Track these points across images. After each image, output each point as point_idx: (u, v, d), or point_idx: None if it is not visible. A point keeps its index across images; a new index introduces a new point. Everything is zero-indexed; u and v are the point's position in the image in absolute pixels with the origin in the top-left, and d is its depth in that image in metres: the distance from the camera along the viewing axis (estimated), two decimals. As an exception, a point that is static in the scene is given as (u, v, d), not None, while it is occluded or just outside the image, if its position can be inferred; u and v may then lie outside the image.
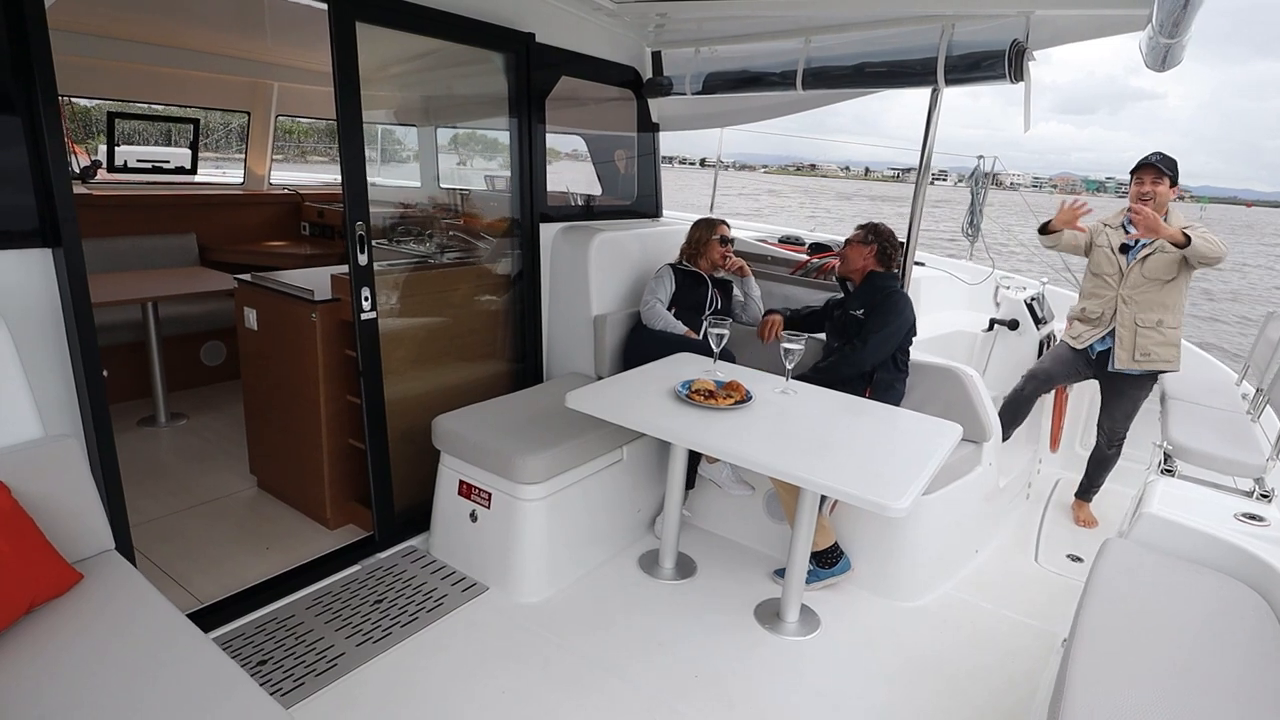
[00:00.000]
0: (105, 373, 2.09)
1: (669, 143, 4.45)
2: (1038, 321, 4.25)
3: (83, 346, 2.05)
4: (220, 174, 6.86)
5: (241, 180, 6.18)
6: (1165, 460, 2.87)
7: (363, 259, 2.74)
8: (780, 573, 2.98)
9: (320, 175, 7.26)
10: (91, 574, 1.75)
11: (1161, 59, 2.32)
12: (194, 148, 5.84)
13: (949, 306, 4.70)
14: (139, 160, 5.52)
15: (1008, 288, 4.42)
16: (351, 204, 2.68)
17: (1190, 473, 2.81)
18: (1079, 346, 3.59)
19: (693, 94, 3.89)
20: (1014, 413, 3.69)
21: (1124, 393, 3.52)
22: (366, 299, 2.78)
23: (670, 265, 3.63)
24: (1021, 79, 2.93)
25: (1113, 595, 1.96)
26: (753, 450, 2.29)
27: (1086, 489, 3.81)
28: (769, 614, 2.76)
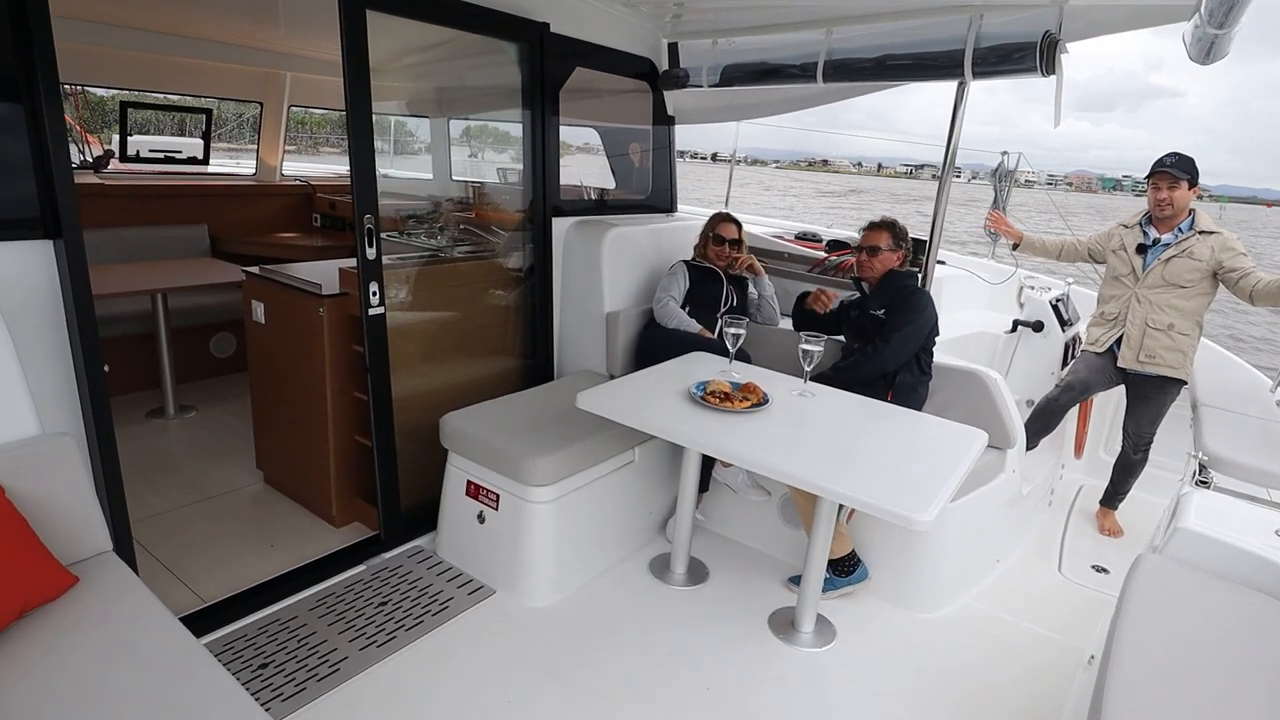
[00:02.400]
0: (106, 367, 2.04)
1: (679, 136, 4.36)
2: (1063, 323, 4.12)
3: (83, 341, 1.99)
4: (235, 164, 6.83)
5: (254, 171, 6.14)
6: (1200, 471, 2.76)
7: (371, 253, 2.67)
8: (795, 579, 2.90)
9: (333, 167, 7.22)
10: (87, 577, 1.70)
11: (1207, 50, 2.21)
12: (206, 138, 5.80)
13: (970, 306, 4.59)
14: (151, 150, 5.48)
15: (1032, 288, 4.30)
16: (360, 197, 2.62)
17: (1225, 484, 2.70)
18: (1100, 350, 3.50)
19: (710, 86, 3.79)
20: (1045, 422, 3.59)
21: (1148, 397, 3.42)
22: (374, 294, 2.72)
23: (684, 261, 3.55)
24: (1053, 72, 2.83)
25: (1149, 615, 1.87)
26: (770, 457, 2.21)
27: (1112, 496, 3.70)
28: (783, 623, 2.68)
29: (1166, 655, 1.72)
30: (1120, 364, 3.41)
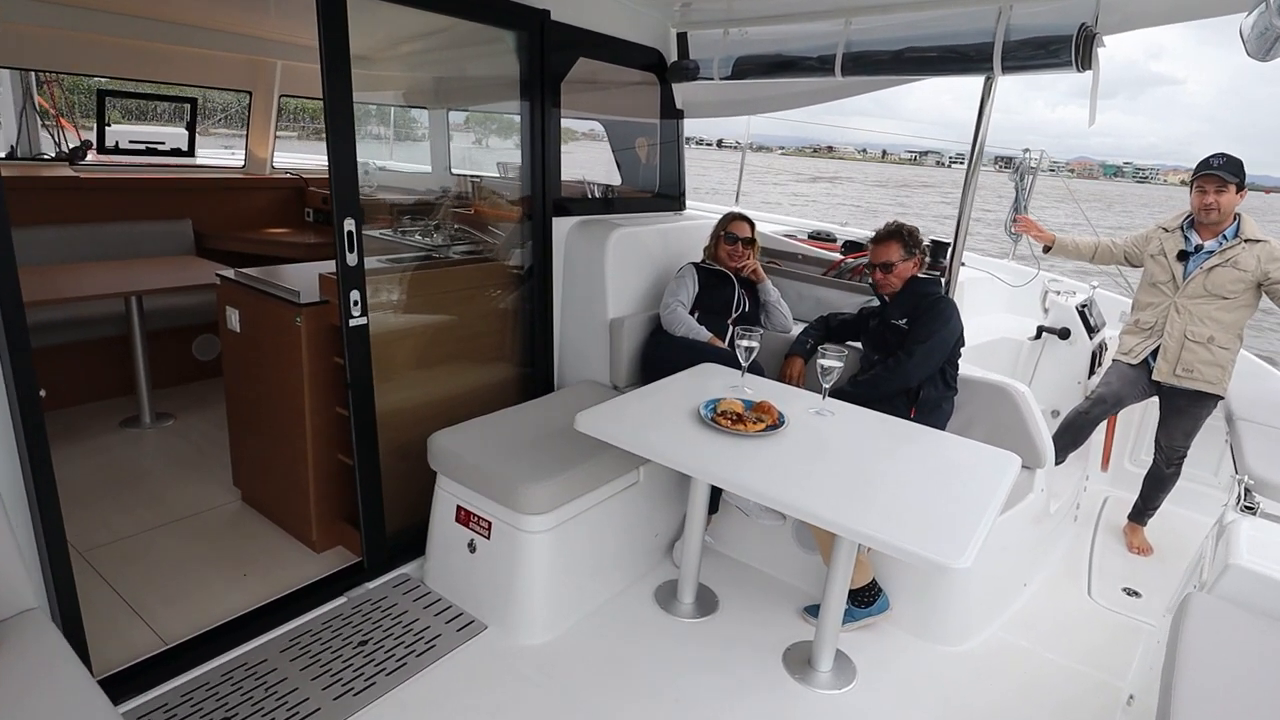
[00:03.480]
0: (43, 392, 1.79)
1: (685, 123, 4.12)
2: (1090, 330, 3.90)
3: (14, 361, 1.73)
4: (230, 153, 6.57)
5: (243, 163, 5.90)
6: (1245, 495, 2.55)
7: (352, 259, 2.45)
8: (810, 609, 2.70)
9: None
10: (4, 642, 1.47)
11: (1269, 47, 2.00)
12: (191, 128, 5.55)
13: (990, 310, 4.37)
14: (131, 141, 5.23)
15: (1057, 292, 4.07)
16: (340, 198, 2.39)
17: (1271, 509, 2.49)
18: (1135, 361, 3.29)
19: (721, 79, 3.56)
20: (1074, 436, 3.38)
21: (1182, 409, 3.22)
22: (356, 303, 2.50)
23: (693, 264, 3.34)
24: (1089, 67, 2.61)
25: (1207, 663, 1.68)
26: (786, 490, 1.99)
27: (1140, 511, 3.50)
28: (799, 661, 2.47)
29: (1234, 712, 1.55)
30: (1155, 377, 3.21)
